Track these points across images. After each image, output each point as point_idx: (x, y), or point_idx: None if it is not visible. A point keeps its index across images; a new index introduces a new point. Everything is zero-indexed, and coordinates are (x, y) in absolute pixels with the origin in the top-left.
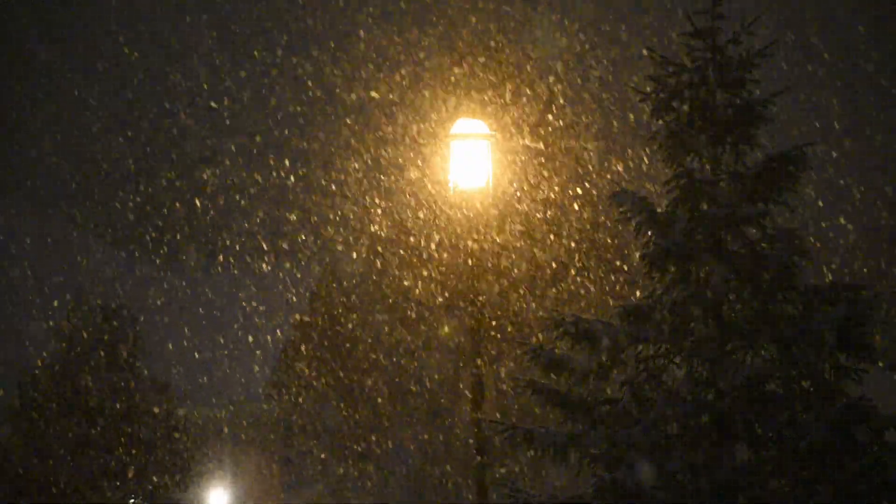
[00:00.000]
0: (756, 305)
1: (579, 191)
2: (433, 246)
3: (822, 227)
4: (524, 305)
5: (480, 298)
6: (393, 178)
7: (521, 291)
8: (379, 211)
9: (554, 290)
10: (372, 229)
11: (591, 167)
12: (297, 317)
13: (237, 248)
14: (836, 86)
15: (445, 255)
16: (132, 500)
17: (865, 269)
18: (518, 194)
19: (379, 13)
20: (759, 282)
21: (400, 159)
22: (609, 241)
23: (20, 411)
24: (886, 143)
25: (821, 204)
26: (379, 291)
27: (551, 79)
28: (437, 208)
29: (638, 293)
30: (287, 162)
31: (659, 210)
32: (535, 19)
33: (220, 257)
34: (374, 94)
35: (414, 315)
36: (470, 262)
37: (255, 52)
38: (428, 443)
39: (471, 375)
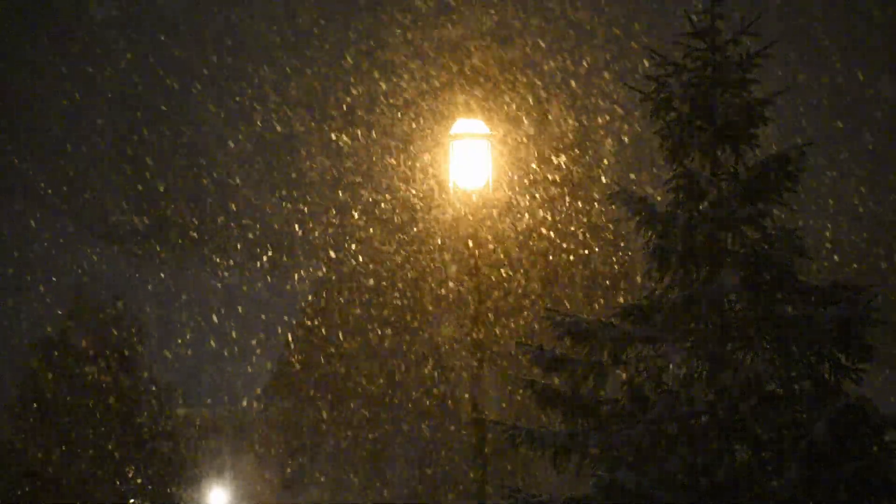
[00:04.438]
0: (756, 305)
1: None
2: (433, 246)
3: (822, 227)
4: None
5: (480, 295)
6: (393, 178)
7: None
8: (377, 210)
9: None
10: (371, 231)
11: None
12: (297, 317)
13: (238, 248)
14: (837, 85)
15: (446, 255)
16: (132, 501)
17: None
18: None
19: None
20: (759, 282)
21: (400, 159)
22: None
23: (20, 411)
24: (886, 143)
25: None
26: (379, 293)
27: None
28: (437, 208)
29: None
30: (288, 164)
31: (659, 210)
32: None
33: (221, 257)
34: (373, 90)
35: (413, 317)
36: (471, 261)
37: (250, 45)
38: (428, 443)
39: (470, 376)
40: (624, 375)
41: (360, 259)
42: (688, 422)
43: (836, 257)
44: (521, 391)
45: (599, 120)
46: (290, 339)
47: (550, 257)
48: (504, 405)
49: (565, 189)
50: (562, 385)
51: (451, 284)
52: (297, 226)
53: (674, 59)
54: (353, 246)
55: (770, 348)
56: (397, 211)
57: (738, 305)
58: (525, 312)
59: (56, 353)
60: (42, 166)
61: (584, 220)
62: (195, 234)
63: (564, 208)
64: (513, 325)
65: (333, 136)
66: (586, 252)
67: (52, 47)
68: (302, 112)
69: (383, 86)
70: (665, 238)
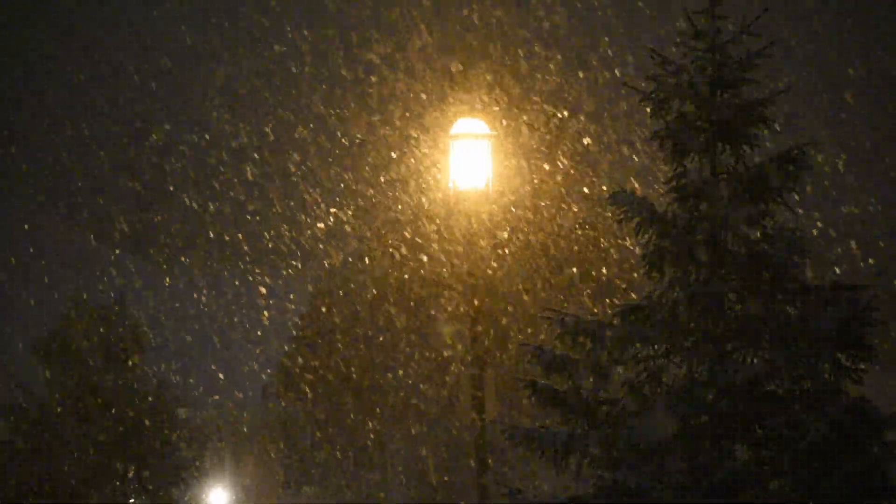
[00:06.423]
0: (756, 305)
1: (586, 190)
2: (432, 247)
3: (822, 227)
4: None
5: (478, 295)
6: (392, 179)
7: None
8: (377, 211)
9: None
10: (370, 232)
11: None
12: (299, 318)
13: (238, 248)
14: (837, 84)
15: (446, 259)
16: (132, 500)
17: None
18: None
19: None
20: (759, 282)
21: (399, 158)
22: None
23: (20, 411)
24: (886, 142)
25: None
26: (379, 294)
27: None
28: (436, 208)
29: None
30: (287, 165)
31: (659, 210)
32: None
33: (222, 258)
34: (369, 89)
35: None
36: (469, 263)
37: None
38: (429, 443)
39: (471, 376)
40: (624, 375)
41: (360, 260)
42: (688, 422)
43: (837, 256)
44: (521, 391)
45: (600, 120)
46: (291, 339)
47: (551, 256)
48: (505, 411)
49: (565, 190)
50: (562, 385)
51: (450, 283)
52: (297, 227)
53: (674, 59)
54: (353, 247)
55: (770, 348)
56: (397, 212)
57: (738, 305)
58: (524, 312)
59: (56, 353)
60: (42, 167)
61: (584, 220)
62: (196, 235)
63: (565, 209)
64: (512, 325)
65: (332, 136)
66: (588, 248)
67: (53, 49)
68: (302, 112)
69: (382, 84)
70: (665, 238)
